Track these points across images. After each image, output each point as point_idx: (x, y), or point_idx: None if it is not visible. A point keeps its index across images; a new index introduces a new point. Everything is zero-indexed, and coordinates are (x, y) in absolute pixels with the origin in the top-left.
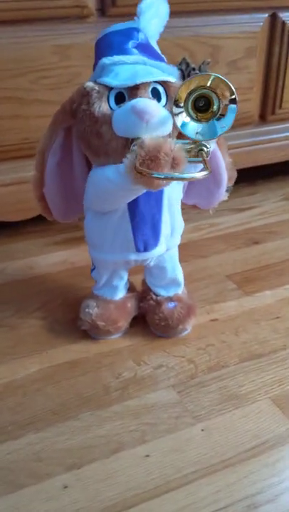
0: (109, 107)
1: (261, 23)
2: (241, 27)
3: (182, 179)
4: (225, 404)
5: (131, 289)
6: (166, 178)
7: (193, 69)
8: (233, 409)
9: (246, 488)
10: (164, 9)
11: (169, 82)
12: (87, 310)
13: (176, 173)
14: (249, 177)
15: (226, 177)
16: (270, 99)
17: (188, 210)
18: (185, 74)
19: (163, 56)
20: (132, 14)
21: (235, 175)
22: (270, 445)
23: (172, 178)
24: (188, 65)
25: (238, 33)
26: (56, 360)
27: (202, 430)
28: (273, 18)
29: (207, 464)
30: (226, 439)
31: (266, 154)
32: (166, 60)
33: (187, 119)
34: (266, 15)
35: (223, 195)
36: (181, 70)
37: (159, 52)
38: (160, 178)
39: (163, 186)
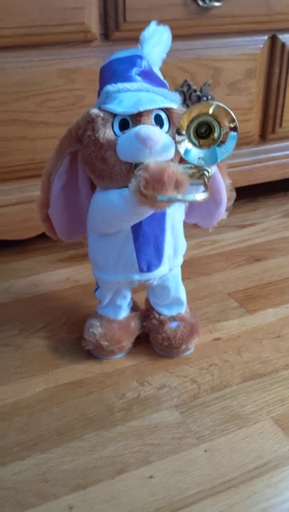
0: (114, 133)
1: (261, 45)
2: (242, 49)
3: (184, 201)
4: (227, 424)
5: (134, 307)
6: (170, 201)
7: (195, 91)
8: (236, 430)
9: (249, 508)
10: (167, 37)
11: (172, 108)
12: (91, 330)
13: (179, 196)
14: (250, 194)
15: (226, 198)
16: (270, 118)
17: (189, 229)
18: (186, 96)
19: (165, 82)
20: (135, 38)
21: (234, 195)
22: (272, 465)
23: (176, 200)
24: (189, 87)
25: (238, 55)
26: (61, 380)
27: (205, 451)
28: (273, 40)
29: (210, 485)
30: (229, 459)
31: (267, 172)
32: (168, 85)
33: (189, 146)
34: (266, 37)
35: (222, 214)
36: (182, 92)
37: (162, 78)
38: (164, 201)
39: (166, 208)
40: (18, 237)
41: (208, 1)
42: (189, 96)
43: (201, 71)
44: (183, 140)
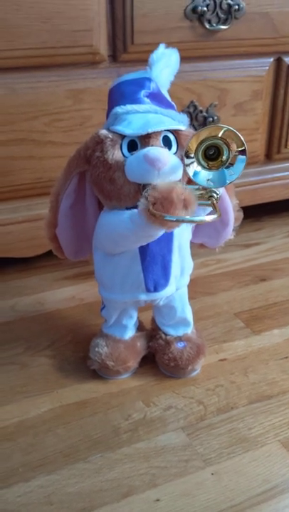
0: (122, 154)
1: (267, 67)
2: (248, 71)
3: (193, 222)
4: (234, 447)
5: (140, 327)
6: (178, 221)
7: (201, 111)
8: (243, 453)
9: None
10: (175, 59)
11: (180, 130)
12: (96, 349)
13: (187, 216)
14: (255, 213)
15: (233, 218)
16: (276, 139)
17: (196, 248)
18: (193, 117)
19: (173, 104)
20: (142, 60)
21: (241, 215)
22: (280, 490)
23: (183, 221)
24: (195, 108)
25: (244, 76)
26: (66, 400)
27: (212, 474)
28: (278, 62)
29: (217, 509)
30: (236, 483)
31: (272, 192)
32: (176, 106)
33: (198, 168)
34: (271, 59)
35: (229, 234)
36: (188, 112)
37: (170, 100)
38: (172, 221)
39: (175, 228)
40: (24, 255)
41: (214, 24)
42: (195, 117)
43: (208, 92)
44: (192, 162)
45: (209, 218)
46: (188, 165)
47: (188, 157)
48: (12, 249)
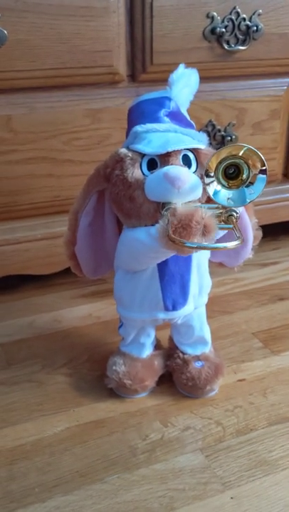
0: (142, 172)
1: (285, 87)
2: (266, 91)
3: (215, 249)
4: (254, 470)
5: (157, 346)
6: (199, 248)
7: (219, 131)
8: (263, 476)
9: None
10: (195, 79)
11: (199, 149)
12: (114, 368)
13: (209, 243)
14: (272, 232)
15: (252, 237)
16: None
17: (215, 267)
18: (211, 136)
19: (193, 123)
20: (160, 80)
21: (260, 234)
22: None
23: (205, 248)
24: (214, 127)
25: (262, 96)
26: (83, 419)
27: (231, 498)
28: None
29: None
30: (257, 508)
31: None
32: (195, 126)
33: (218, 187)
34: None
35: (248, 253)
36: (207, 131)
37: (189, 119)
38: (192, 247)
39: (193, 253)
40: (41, 273)
41: (233, 45)
42: (214, 136)
43: (226, 112)
44: (212, 182)
45: (231, 245)
46: (208, 184)
47: (208, 176)
48: (30, 266)
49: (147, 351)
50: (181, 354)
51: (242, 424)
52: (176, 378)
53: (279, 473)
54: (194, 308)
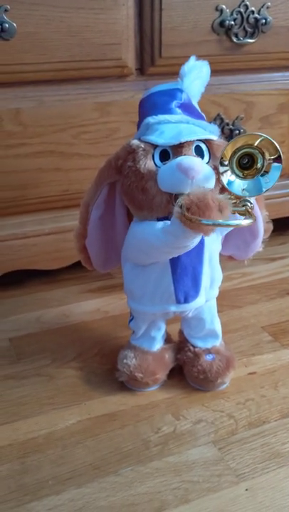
0: (154, 163)
1: None
2: (274, 84)
3: (229, 225)
4: (268, 462)
5: (167, 339)
6: (214, 224)
7: (227, 124)
8: (277, 468)
9: None
10: (206, 71)
11: (212, 140)
12: (125, 361)
13: (224, 220)
14: (279, 227)
15: (263, 229)
16: None
17: (225, 261)
18: (219, 129)
19: (203, 115)
20: (169, 73)
21: (271, 227)
22: None
23: (220, 225)
24: (222, 120)
25: (270, 90)
26: (94, 412)
27: (246, 490)
28: None
29: None
30: (272, 499)
31: None
32: (206, 118)
33: (232, 178)
34: None
35: (259, 246)
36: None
37: (200, 111)
38: (208, 224)
39: (210, 233)
40: (49, 267)
41: (241, 38)
42: (222, 129)
43: (234, 105)
44: (226, 171)
45: (245, 222)
46: (222, 173)
47: (222, 165)
48: (38, 261)
49: (158, 345)
50: (191, 347)
51: (254, 417)
52: (187, 371)
53: None
54: (205, 300)
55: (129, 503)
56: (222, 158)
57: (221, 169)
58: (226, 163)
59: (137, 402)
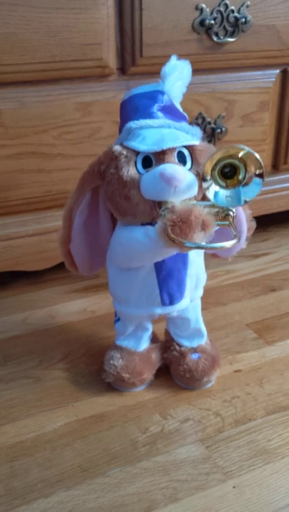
0: (137, 170)
1: (273, 79)
2: (254, 83)
3: (213, 248)
4: (255, 459)
5: (154, 339)
6: (198, 247)
7: (209, 123)
8: (264, 465)
9: None
10: (188, 71)
11: (194, 145)
12: (111, 362)
13: (207, 240)
14: (262, 224)
15: (246, 228)
16: (283, 149)
17: (208, 258)
18: (201, 128)
19: (186, 115)
20: (150, 73)
21: (254, 226)
22: None
23: (203, 247)
24: (204, 119)
25: (251, 88)
26: (82, 414)
27: (234, 487)
28: (284, 73)
29: None
30: (259, 496)
31: (279, 202)
32: (188, 118)
33: (216, 188)
34: (278, 71)
35: (243, 244)
36: (197, 124)
37: (182, 111)
38: (192, 247)
39: (192, 250)
40: (34, 268)
41: (222, 37)
42: (204, 128)
43: (216, 104)
44: (210, 185)
45: (229, 244)
46: (207, 188)
47: (205, 180)
48: (22, 262)
49: (144, 344)
50: (177, 346)
51: (240, 415)
52: (173, 370)
53: (279, 462)
54: (190, 301)
55: (118, 504)
56: (204, 174)
57: (205, 185)
58: (208, 177)
59: (125, 403)
